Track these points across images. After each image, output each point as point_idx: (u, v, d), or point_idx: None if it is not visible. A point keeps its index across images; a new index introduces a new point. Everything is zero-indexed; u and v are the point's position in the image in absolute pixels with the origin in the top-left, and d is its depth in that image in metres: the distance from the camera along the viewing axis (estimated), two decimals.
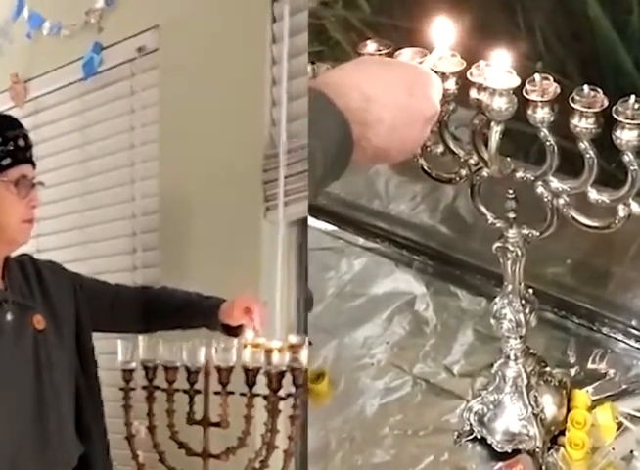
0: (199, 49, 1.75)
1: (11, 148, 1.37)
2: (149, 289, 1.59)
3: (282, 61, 1.61)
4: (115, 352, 1.44)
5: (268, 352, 1.35)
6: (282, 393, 1.36)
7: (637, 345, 1.47)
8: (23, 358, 1.36)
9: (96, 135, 2.00)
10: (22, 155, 1.39)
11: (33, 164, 1.41)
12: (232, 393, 1.39)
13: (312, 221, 1.75)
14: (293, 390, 1.35)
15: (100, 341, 1.49)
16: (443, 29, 1.14)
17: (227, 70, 1.69)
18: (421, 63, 1.14)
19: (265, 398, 1.36)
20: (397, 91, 1.03)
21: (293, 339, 1.37)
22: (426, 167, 1.25)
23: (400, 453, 1.37)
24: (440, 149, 1.21)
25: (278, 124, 1.62)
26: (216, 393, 1.40)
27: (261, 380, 1.37)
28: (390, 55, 1.18)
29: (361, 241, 1.74)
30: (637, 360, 1.45)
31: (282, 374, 1.35)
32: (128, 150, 1.91)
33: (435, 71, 1.13)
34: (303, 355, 1.34)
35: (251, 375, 1.37)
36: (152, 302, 1.52)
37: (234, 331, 1.43)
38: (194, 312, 1.48)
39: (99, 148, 1.99)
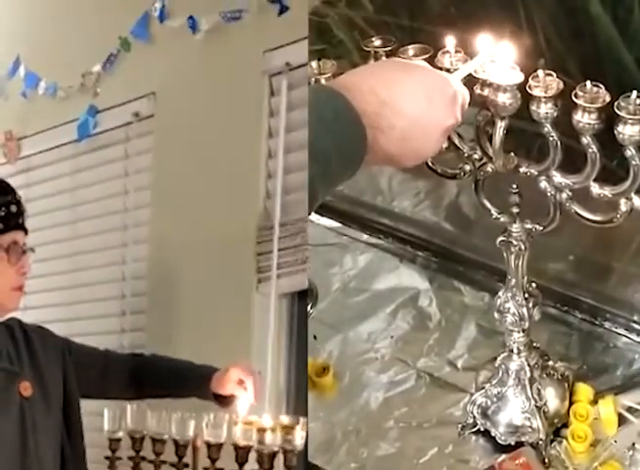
0: (195, 117, 1.74)
1: (2, 214, 1.35)
2: (139, 356, 1.56)
3: (279, 134, 1.60)
4: (101, 414, 1.42)
5: (260, 430, 1.30)
6: None
7: (639, 339, 1.48)
8: (9, 427, 1.33)
9: (88, 197, 1.99)
10: (14, 221, 1.37)
11: (25, 231, 1.39)
12: (221, 469, 1.35)
13: (317, 218, 1.77)
14: None
15: (86, 401, 1.46)
16: (486, 41, 1.12)
17: (223, 139, 1.67)
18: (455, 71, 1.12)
19: None
20: (415, 99, 1.01)
21: (285, 419, 1.32)
22: (430, 163, 1.26)
23: (405, 446, 1.38)
24: (444, 144, 1.22)
25: (273, 197, 1.60)
26: (205, 469, 1.36)
27: (252, 457, 1.33)
28: (394, 52, 1.19)
29: (365, 237, 1.75)
30: (639, 354, 1.46)
31: (274, 454, 1.30)
32: (121, 213, 1.90)
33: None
34: (298, 437, 1.30)
35: (241, 453, 1.32)
36: (142, 369, 1.49)
37: (225, 401, 1.40)
38: (185, 381, 1.45)
39: (90, 210, 1.98)
